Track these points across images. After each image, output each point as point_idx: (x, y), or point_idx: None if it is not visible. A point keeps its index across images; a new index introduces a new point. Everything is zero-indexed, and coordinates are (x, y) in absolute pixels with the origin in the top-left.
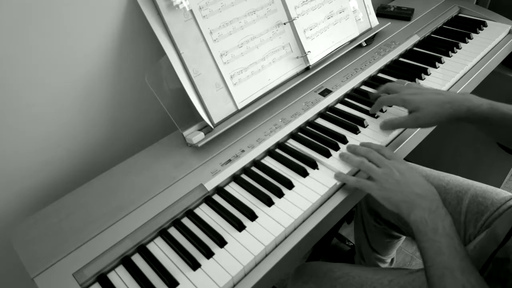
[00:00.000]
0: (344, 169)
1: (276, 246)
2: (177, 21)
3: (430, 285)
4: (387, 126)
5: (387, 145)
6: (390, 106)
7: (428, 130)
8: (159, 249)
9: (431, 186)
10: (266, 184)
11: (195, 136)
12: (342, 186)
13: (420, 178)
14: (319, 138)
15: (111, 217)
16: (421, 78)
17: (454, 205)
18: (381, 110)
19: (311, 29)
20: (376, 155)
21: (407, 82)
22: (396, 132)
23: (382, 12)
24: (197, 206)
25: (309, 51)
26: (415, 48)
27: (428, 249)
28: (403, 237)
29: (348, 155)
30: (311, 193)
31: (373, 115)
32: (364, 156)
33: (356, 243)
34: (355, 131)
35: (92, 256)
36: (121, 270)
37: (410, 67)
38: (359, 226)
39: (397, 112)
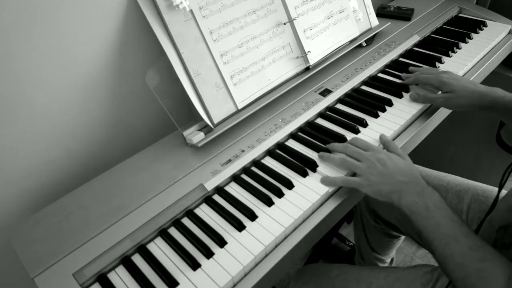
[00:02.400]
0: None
1: (276, 246)
2: (177, 21)
3: (437, 257)
4: (420, 98)
5: None
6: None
7: (429, 130)
8: (159, 249)
9: (411, 169)
10: (266, 184)
11: (195, 136)
12: (342, 187)
13: (400, 162)
14: (319, 138)
15: (111, 217)
16: None
17: (455, 203)
18: (381, 110)
19: (311, 29)
20: (354, 149)
21: (441, 69)
22: (394, 133)
23: (382, 12)
24: (197, 206)
25: (309, 51)
26: (415, 48)
27: (426, 226)
28: (403, 237)
29: (327, 155)
30: (311, 193)
31: (374, 116)
32: (343, 152)
33: (356, 243)
34: (355, 131)
35: (92, 256)
36: (121, 270)
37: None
38: (359, 226)
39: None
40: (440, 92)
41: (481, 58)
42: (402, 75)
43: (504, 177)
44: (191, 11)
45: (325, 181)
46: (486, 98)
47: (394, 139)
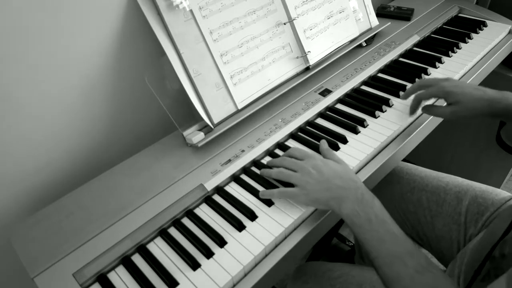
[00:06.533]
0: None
1: (276, 246)
2: (177, 21)
3: (381, 275)
4: (425, 111)
5: (386, 146)
6: (429, 99)
7: (428, 130)
8: (159, 249)
9: (348, 172)
10: (266, 184)
11: (195, 136)
12: None
13: (335, 166)
14: (319, 138)
15: (111, 217)
16: (420, 78)
17: (454, 205)
18: (381, 110)
19: (311, 29)
20: (290, 161)
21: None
22: (394, 133)
23: (382, 12)
24: (197, 206)
25: (309, 51)
26: (415, 48)
27: (369, 240)
28: None
29: (264, 170)
30: None
31: (373, 116)
32: (280, 165)
33: (356, 243)
34: (355, 131)
35: (92, 256)
36: (121, 270)
37: (410, 67)
38: None
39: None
40: (445, 104)
41: (481, 58)
42: (401, 96)
43: None
44: (191, 11)
45: (264, 194)
46: (497, 105)
47: (394, 139)
